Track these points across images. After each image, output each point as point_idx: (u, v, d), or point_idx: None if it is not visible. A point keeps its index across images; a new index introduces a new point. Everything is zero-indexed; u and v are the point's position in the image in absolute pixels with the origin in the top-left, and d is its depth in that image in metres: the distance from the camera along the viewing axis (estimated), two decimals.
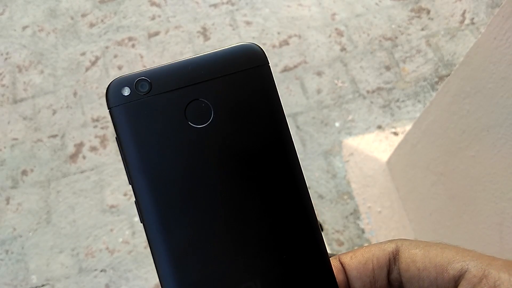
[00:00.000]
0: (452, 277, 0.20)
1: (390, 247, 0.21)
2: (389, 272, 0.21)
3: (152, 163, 0.20)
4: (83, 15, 1.30)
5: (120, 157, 1.10)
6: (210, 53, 0.21)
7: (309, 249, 0.21)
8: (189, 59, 0.21)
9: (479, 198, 0.68)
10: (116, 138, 0.21)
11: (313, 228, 0.21)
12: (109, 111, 0.21)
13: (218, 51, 0.21)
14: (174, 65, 0.21)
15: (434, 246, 0.21)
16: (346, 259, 0.22)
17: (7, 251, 1.05)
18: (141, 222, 0.21)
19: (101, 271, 1.02)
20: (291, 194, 0.21)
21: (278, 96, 0.21)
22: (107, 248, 1.04)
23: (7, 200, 1.10)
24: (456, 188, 0.75)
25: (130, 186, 0.20)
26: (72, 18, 1.30)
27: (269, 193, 0.21)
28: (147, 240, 0.20)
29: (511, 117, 0.55)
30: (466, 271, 0.20)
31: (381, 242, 0.22)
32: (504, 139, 0.58)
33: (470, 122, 0.65)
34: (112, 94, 0.21)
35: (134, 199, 0.20)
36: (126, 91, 0.20)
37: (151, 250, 0.20)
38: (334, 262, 0.22)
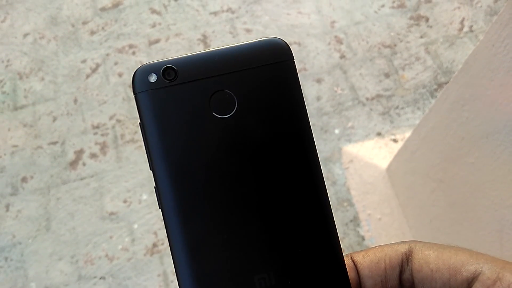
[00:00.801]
0: (466, 279, 0.20)
1: (403, 248, 0.22)
2: (401, 273, 0.21)
3: (174, 150, 0.21)
4: (84, 23, 1.31)
5: (119, 164, 1.10)
6: (236, 46, 0.22)
7: (323, 244, 0.21)
8: (215, 50, 0.21)
9: (479, 205, 0.68)
10: (139, 123, 0.21)
11: (329, 225, 0.21)
12: (135, 96, 0.21)
13: (244, 44, 0.22)
14: (200, 55, 0.21)
15: (448, 248, 0.21)
16: (358, 258, 0.22)
17: (6, 258, 1.05)
18: (160, 208, 0.21)
19: (100, 278, 1.02)
20: (309, 189, 0.21)
21: (301, 91, 0.22)
22: (106, 255, 1.04)
23: (7, 207, 1.10)
24: (455, 195, 0.75)
25: (151, 171, 0.21)
26: (73, 26, 1.31)
27: (288, 186, 0.21)
28: (164, 227, 0.21)
29: (510, 124, 0.56)
30: (480, 273, 0.20)
31: (393, 243, 0.22)
32: (504, 145, 0.58)
33: (469, 129, 0.65)
34: (139, 80, 0.21)
35: (154, 185, 0.21)
36: (153, 78, 0.21)
37: (168, 236, 0.21)
38: (346, 260, 0.22)
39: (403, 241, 0.22)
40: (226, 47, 0.21)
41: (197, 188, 0.21)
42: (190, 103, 0.21)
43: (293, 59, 0.22)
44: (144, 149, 0.21)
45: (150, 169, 0.21)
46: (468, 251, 0.21)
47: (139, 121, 0.21)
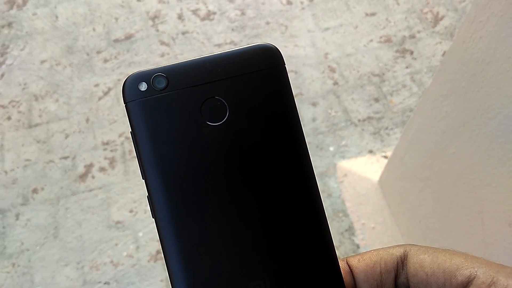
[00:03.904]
0: (461, 283, 0.20)
1: (399, 252, 0.22)
2: (396, 276, 0.22)
3: (165, 158, 0.21)
4: (98, 52, 1.43)
5: (127, 177, 1.17)
6: (227, 52, 0.22)
7: (318, 250, 0.21)
8: (206, 57, 0.22)
9: (461, 192, 0.75)
10: (131, 133, 0.21)
11: (323, 230, 0.22)
12: (125, 105, 0.21)
13: (235, 50, 0.22)
14: (191, 63, 0.21)
15: (443, 252, 0.21)
16: (354, 262, 0.22)
17: (13, 264, 1.08)
18: (153, 218, 0.21)
19: (105, 283, 1.05)
20: (303, 196, 0.21)
21: (293, 96, 0.22)
22: (111, 262, 1.08)
23: (17, 216, 1.15)
24: (441, 189, 0.82)
25: (143, 181, 0.21)
26: (87, 54, 1.42)
27: (281, 193, 0.21)
28: (158, 237, 0.21)
29: (482, 109, 0.65)
30: (474, 278, 0.20)
31: (389, 247, 0.22)
32: (478, 130, 0.67)
33: (448, 122, 0.74)
34: (129, 89, 0.21)
35: (147, 194, 0.21)
36: (143, 87, 0.21)
37: (161, 246, 0.21)
38: (341, 264, 0.22)
39: (399, 245, 0.22)
40: (217, 54, 0.22)
41: (190, 196, 0.21)
42: (181, 111, 0.21)
43: (284, 64, 0.22)
44: (136, 158, 0.21)
45: (142, 178, 0.21)
46: (463, 254, 0.21)
47: (130, 130, 0.21)
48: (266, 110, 0.21)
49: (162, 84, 0.21)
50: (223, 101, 0.21)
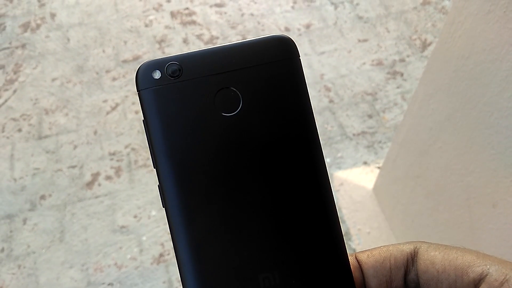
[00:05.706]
0: (472, 280, 0.20)
1: (409, 248, 0.22)
2: (406, 273, 0.21)
3: (178, 148, 0.20)
4: (107, 71, 1.51)
5: (132, 185, 1.22)
6: (242, 42, 0.22)
7: (328, 244, 0.21)
8: (221, 46, 0.21)
9: (448, 183, 0.81)
10: (143, 121, 0.21)
11: (334, 225, 0.22)
12: (138, 93, 0.21)
13: (250, 40, 0.22)
14: (205, 52, 0.21)
15: (454, 249, 0.21)
16: (363, 257, 0.22)
17: (19, 266, 1.11)
18: (163, 207, 0.21)
19: (109, 284, 1.08)
20: (314, 189, 0.21)
21: (307, 89, 0.22)
22: (115, 264, 1.11)
23: (24, 221, 1.18)
24: (431, 184, 0.88)
25: (155, 170, 0.21)
26: (97, 73, 1.50)
27: (292, 185, 0.21)
28: (168, 226, 0.21)
29: (464, 101, 0.72)
30: (487, 275, 0.20)
31: (399, 243, 0.22)
32: (461, 121, 0.74)
33: (435, 119, 0.81)
34: (142, 76, 0.21)
35: (158, 184, 0.21)
36: (157, 75, 0.21)
37: (171, 235, 0.21)
38: (350, 260, 0.22)
39: (408, 241, 0.22)
40: (232, 44, 0.22)
41: (201, 186, 0.21)
42: (195, 100, 0.21)
43: (299, 56, 0.22)
44: (148, 147, 0.21)
45: (154, 167, 0.21)
46: (475, 252, 0.21)
47: (142, 118, 0.21)
48: (280, 102, 0.21)
49: (176, 72, 0.21)
50: (237, 91, 0.21)
